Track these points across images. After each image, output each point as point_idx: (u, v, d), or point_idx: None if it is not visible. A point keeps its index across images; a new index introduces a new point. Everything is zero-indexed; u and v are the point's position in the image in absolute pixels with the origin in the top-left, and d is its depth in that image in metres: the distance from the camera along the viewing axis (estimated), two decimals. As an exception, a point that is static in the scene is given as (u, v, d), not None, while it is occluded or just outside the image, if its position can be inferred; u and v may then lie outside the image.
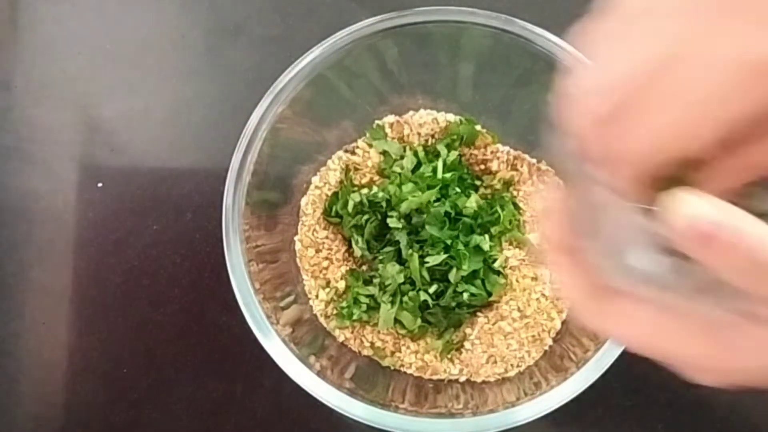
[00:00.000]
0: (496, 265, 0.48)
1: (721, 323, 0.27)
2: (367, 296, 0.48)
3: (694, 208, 0.24)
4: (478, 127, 0.51)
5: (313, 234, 0.50)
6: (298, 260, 0.50)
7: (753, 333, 0.27)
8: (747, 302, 0.26)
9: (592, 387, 0.41)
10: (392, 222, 0.47)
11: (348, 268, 0.50)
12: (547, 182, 0.32)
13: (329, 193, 0.50)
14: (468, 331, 0.48)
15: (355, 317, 0.48)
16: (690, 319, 0.28)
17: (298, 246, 0.50)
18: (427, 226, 0.47)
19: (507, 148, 0.51)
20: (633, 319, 0.28)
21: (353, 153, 0.51)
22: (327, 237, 0.50)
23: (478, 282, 0.47)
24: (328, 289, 0.49)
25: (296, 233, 0.50)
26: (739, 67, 0.25)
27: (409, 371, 0.49)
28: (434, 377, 0.48)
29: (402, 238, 0.48)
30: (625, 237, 0.27)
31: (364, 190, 0.49)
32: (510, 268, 0.49)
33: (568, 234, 0.30)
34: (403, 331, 0.48)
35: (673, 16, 0.26)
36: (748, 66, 0.25)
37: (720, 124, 0.26)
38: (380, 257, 0.49)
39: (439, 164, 0.49)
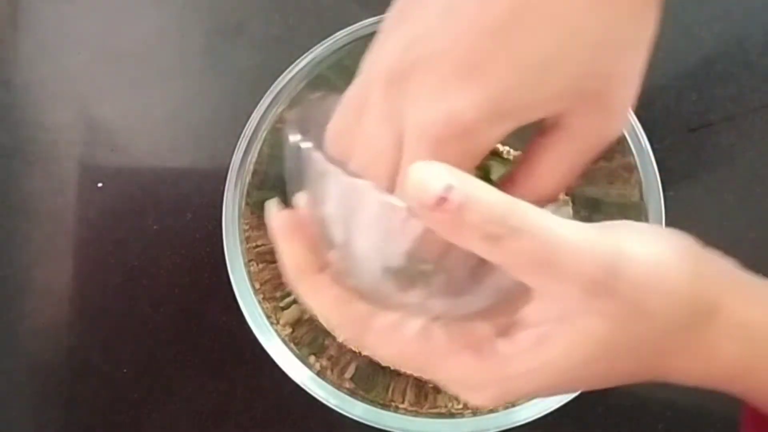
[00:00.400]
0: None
1: (483, 332, 0.27)
2: None
3: (426, 172, 0.23)
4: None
5: (313, 234, 0.50)
6: (298, 260, 0.50)
7: (516, 337, 0.27)
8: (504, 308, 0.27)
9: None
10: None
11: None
12: (272, 201, 0.31)
13: (329, 193, 0.50)
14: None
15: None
16: (453, 333, 0.28)
17: (298, 246, 0.50)
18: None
19: (507, 147, 0.51)
20: (395, 338, 0.28)
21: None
22: (327, 237, 0.50)
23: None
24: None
25: (296, 233, 0.50)
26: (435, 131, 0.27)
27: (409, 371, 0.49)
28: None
29: None
30: (380, 240, 0.26)
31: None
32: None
33: (308, 253, 0.29)
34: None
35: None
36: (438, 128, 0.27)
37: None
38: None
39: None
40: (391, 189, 0.29)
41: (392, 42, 0.29)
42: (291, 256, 0.29)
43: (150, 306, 0.52)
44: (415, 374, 0.30)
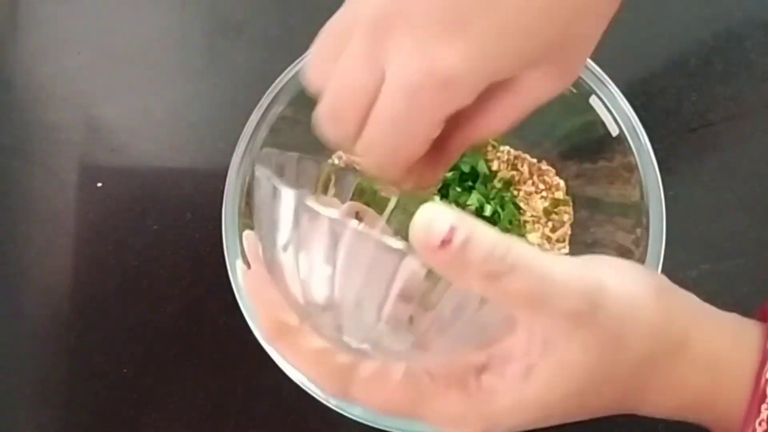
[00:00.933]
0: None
1: (466, 369, 0.28)
2: None
3: (433, 212, 0.24)
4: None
5: (313, 234, 0.50)
6: (298, 260, 0.50)
7: (502, 370, 0.28)
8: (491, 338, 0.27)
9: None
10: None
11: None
12: (247, 266, 0.31)
13: (329, 193, 0.50)
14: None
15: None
16: (437, 373, 0.28)
17: (298, 246, 0.50)
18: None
19: (507, 147, 0.51)
20: (382, 386, 0.28)
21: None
22: (327, 237, 0.50)
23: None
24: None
25: (296, 233, 0.50)
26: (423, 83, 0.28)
27: (409, 371, 0.48)
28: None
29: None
30: (374, 283, 0.26)
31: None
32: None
33: (283, 310, 0.29)
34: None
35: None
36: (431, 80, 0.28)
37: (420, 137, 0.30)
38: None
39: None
40: (356, 133, 0.30)
41: None
42: (266, 317, 0.29)
43: (150, 306, 0.52)
44: (401, 418, 0.30)
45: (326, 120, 0.31)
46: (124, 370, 0.51)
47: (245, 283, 0.30)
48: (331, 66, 0.30)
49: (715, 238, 0.51)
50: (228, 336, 0.50)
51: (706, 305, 0.31)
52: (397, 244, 0.25)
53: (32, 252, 0.53)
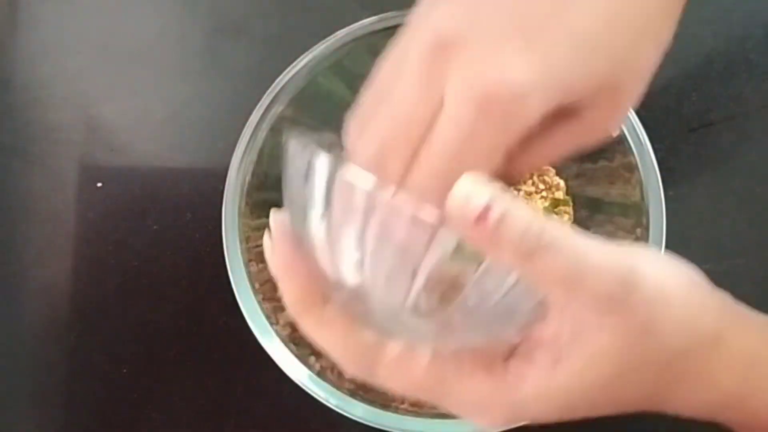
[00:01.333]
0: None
1: (494, 353, 0.28)
2: None
3: (471, 186, 0.24)
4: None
5: (313, 234, 0.50)
6: (298, 260, 0.50)
7: (531, 356, 0.27)
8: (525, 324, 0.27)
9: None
10: None
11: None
12: (267, 235, 0.29)
13: (329, 193, 0.50)
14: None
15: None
16: (464, 357, 0.28)
17: (298, 246, 0.50)
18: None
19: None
20: (408, 368, 0.27)
21: (353, 153, 0.51)
22: (327, 237, 0.50)
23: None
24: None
25: (296, 233, 0.50)
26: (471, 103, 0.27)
27: (409, 371, 0.48)
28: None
29: None
30: (406, 259, 0.25)
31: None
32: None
33: (310, 284, 0.28)
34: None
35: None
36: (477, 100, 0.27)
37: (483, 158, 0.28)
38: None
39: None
40: (407, 169, 0.29)
41: (445, 4, 0.29)
42: (291, 290, 0.28)
43: (150, 306, 0.51)
44: (426, 403, 0.30)
45: (372, 164, 0.29)
46: (124, 370, 0.51)
47: (271, 256, 0.29)
48: (379, 106, 0.29)
49: (715, 238, 0.51)
50: (228, 336, 0.50)
51: (740, 304, 0.31)
52: (432, 216, 0.24)
53: (32, 252, 0.53)
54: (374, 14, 0.45)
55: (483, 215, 0.24)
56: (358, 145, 0.30)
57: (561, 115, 0.30)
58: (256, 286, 0.43)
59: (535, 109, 0.28)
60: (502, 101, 0.27)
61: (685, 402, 0.29)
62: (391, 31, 0.46)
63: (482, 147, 0.28)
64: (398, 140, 0.29)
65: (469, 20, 0.28)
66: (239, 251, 0.43)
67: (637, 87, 0.31)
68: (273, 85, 0.45)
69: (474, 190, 0.24)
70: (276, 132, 0.45)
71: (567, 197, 0.50)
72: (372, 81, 0.31)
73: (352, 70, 0.47)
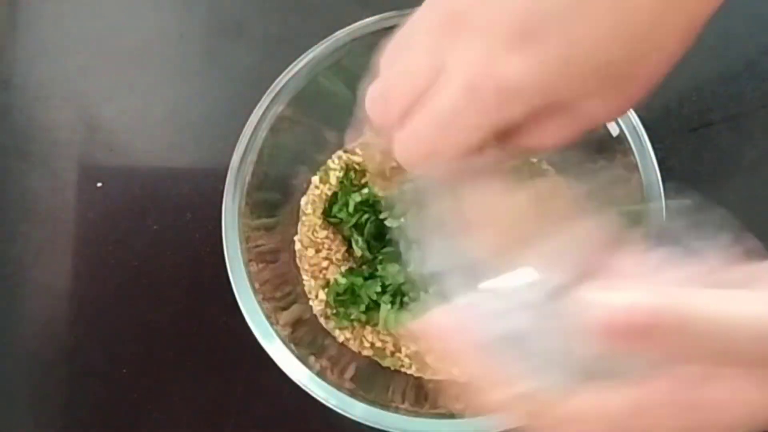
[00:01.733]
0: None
1: (689, 384, 0.26)
2: (367, 294, 0.48)
3: (623, 299, 0.23)
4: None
5: (312, 234, 0.50)
6: (297, 260, 0.50)
7: (724, 383, 0.25)
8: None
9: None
10: (389, 221, 0.48)
11: (348, 268, 0.50)
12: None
13: (329, 193, 0.50)
14: (468, 331, 0.48)
15: (353, 317, 0.48)
16: (652, 393, 0.26)
17: (297, 246, 0.50)
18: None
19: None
20: (599, 417, 0.26)
21: (353, 153, 0.51)
22: (327, 237, 0.50)
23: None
24: (327, 289, 0.49)
25: (296, 233, 0.50)
26: (489, 89, 0.28)
27: (409, 372, 0.48)
28: (434, 377, 0.48)
29: (401, 237, 0.48)
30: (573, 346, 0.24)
31: (365, 190, 0.49)
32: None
33: (497, 366, 0.26)
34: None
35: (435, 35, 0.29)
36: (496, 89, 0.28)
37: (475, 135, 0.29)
38: (380, 257, 0.48)
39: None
40: (400, 118, 0.30)
41: None
42: (480, 367, 0.26)
43: (150, 306, 0.51)
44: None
45: (376, 98, 0.31)
46: (124, 370, 0.51)
47: (445, 328, 0.28)
48: (398, 54, 0.31)
49: (715, 238, 0.51)
50: (228, 336, 0.50)
51: None
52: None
53: (32, 252, 0.53)
54: (374, 14, 0.45)
55: (649, 324, 0.23)
56: (370, 90, 0.32)
57: (555, 106, 0.30)
58: (256, 286, 0.43)
59: (517, 106, 0.29)
60: (486, 94, 0.28)
61: None
62: (391, 31, 0.46)
63: (466, 124, 0.29)
64: (400, 89, 0.30)
65: (481, 7, 0.28)
66: (239, 251, 0.43)
67: (640, 88, 0.31)
68: (273, 85, 0.45)
69: (630, 297, 0.23)
70: (276, 132, 0.45)
71: (567, 197, 0.50)
72: (391, 40, 0.33)
73: (352, 70, 0.47)
